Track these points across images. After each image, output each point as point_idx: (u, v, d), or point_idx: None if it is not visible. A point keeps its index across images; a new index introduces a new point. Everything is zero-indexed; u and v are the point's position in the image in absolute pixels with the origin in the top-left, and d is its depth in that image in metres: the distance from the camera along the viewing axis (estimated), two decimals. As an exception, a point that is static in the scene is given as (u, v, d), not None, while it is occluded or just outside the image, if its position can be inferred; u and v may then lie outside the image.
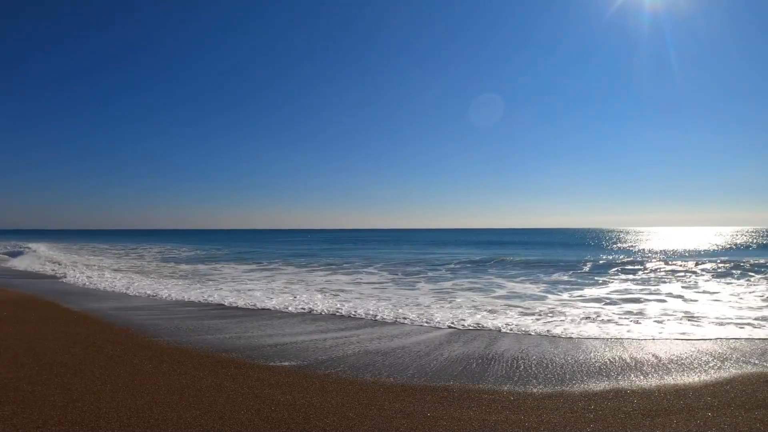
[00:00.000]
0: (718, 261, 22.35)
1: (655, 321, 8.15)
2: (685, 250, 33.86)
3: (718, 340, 6.66)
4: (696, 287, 13.11)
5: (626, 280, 14.94)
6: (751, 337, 6.88)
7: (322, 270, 19.42)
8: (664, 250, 34.39)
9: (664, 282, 14.40)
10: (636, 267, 19.88)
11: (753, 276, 15.88)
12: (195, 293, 11.99)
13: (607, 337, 6.96)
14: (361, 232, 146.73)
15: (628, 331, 7.29)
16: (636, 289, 12.62)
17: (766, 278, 15.11)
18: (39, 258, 26.37)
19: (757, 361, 5.57)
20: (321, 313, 9.17)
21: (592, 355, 5.90)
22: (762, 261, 21.46)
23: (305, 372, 5.16)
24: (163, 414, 3.82)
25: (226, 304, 10.39)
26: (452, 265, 21.15)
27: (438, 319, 8.37)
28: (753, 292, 12.03)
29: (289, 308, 9.72)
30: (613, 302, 10.51)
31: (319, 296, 11.57)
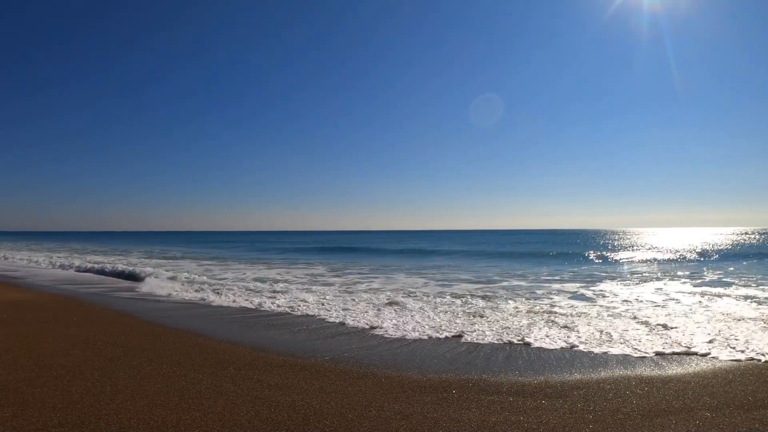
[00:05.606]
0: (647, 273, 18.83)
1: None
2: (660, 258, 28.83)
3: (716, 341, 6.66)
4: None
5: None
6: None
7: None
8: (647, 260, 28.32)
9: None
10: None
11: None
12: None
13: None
14: (351, 234, 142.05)
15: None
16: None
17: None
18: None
19: (758, 362, 5.58)
20: (314, 315, 9.18)
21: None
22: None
23: (305, 373, 5.16)
24: (163, 416, 3.82)
25: (247, 306, 10.39)
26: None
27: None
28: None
29: (298, 311, 9.72)
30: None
31: (311, 298, 11.58)
